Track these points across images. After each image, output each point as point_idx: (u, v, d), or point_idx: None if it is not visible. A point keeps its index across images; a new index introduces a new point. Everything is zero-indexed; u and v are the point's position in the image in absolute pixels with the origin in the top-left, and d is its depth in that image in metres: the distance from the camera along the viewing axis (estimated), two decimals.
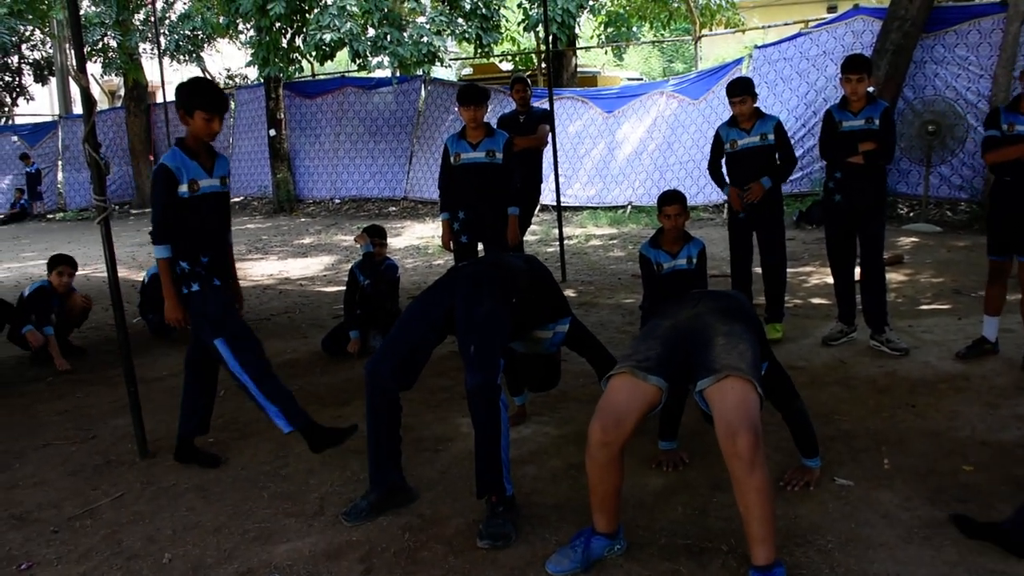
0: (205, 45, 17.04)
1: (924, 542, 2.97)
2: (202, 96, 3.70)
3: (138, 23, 15.78)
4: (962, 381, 4.58)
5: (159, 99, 14.30)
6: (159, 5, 16.30)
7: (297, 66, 14.03)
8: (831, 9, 21.04)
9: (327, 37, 11.67)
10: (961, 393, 4.41)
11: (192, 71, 19.29)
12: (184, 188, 3.70)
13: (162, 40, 15.59)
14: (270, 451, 4.15)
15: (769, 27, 16.60)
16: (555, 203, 8.41)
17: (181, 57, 16.79)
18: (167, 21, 16.44)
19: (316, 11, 12.07)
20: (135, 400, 4.13)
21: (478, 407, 3.14)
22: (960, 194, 9.92)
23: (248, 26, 14.00)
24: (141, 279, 7.00)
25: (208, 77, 19.68)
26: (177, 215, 3.73)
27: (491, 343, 3.19)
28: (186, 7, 16.74)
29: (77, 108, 18.14)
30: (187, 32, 16.32)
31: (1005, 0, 9.55)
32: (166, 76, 12.60)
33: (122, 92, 18.72)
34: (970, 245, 8.24)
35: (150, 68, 16.57)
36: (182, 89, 3.75)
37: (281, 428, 3.86)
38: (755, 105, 5.44)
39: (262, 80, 14.76)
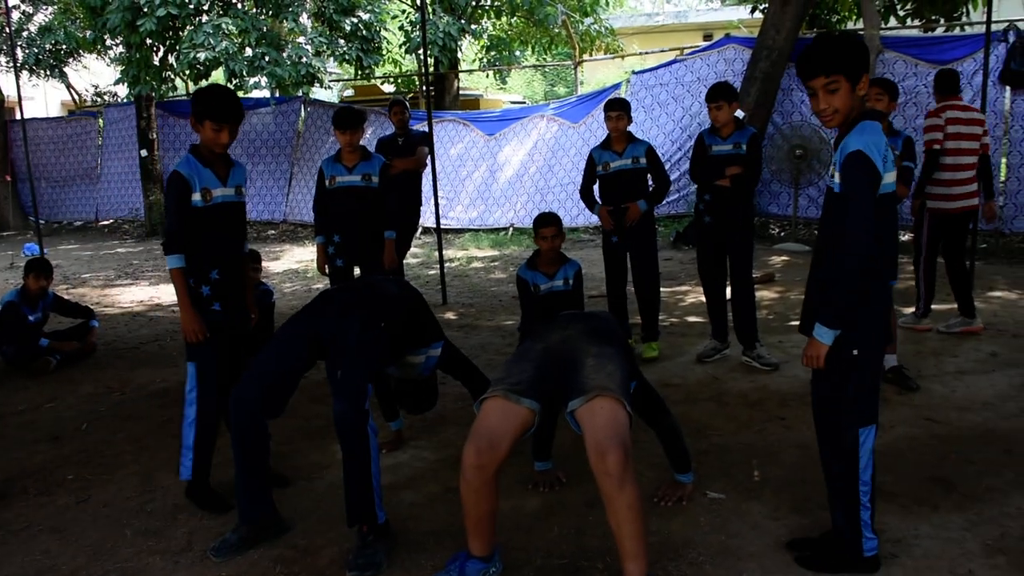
0: (69, 60, 16.23)
1: (791, 549, 3.06)
2: (211, 105, 3.49)
3: None
4: None
5: (17, 115, 13.52)
6: (15, 16, 15.43)
7: (170, 85, 13.57)
8: (707, 37, 21.92)
9: (201, 56, 11.32)
10: None
11: (55, 87, 18.35)
12: (197, 197, 3.50)
13: (19, 53, 14.78)
14: (135, 486, 3.95)
15: (647, 53, 17.15)
16: (436, 225, 8.39)
17: (42, 72, 15.95)
18: (25, 33, 15.59)
19: (190, 29, 11.72)
20: None
21: (345, 434, 3.07)
22: (822, 212, 10.42)
23: (117, 42, 13.45)
24: None
25: (74, 93, 18.82)
26: (189, 226, 3.52)
27: (358, 369, 3.13)
28: (47, 19, 15.94)
29: None
30: (48, 46, 15.52)
31: (861, 34, 10.14)
32: (25, 91, 11.90)
33: None
34: None
35: (6, 83, 15.66)
36: (195, 96, 3.57)
37: (181, 471, 3.68)
38: (628, 129, 5.57)
39: (132, 99, 14.20)
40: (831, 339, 2.68)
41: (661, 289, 5.83)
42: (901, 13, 10.69)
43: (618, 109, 5.48)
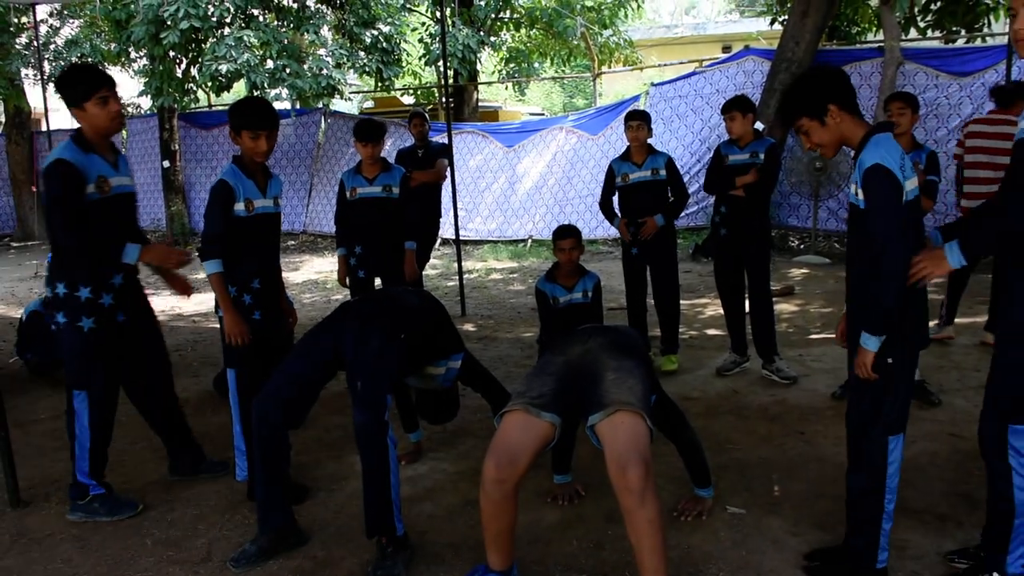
0: None
1: (809, 561, 3.03)
2: (245, 114, 3.63)
3: (20, 47, 15.11)
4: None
5: (43, 127, 13.70)
6: (43, 30, 15.64)
7: (192, 96, 13.71)
8: (726, 49, 21.89)
9: (223, 68, 11.43)
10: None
11: None
12: (241, 207, 3.64)
13: (46, 66, 14.98)
14: (157, 495, 3.97)
15: (666, 65, 17.14)
16: (455, 237, 8.42)
17: None
18: (52, 46, 15.80)
19: (212, 41, 11.84)
20: (6, 445, 3.88)
21: (364, 445, 3.08)
22: (847, 227, 10.35)
23: (141, 54, 13.62)
24: (19, 316, 6.65)
25: None
26: (232, 236, 3.65)
27: (377, 380, 3.14)
28: (73, 33, 16.15)
29: None
30: (74, 59, 15.71)
31: (882, 46, 10.11)
32: (52, 104, 12.08)
33: (2, 119, 17.85)
34: None
35: (34, 95, 15.86)
36: (230, 110, 3.69)
37: (237, 473, 3.91)
38: (648, 141, 5.57)
39: (155, 110, 14.36)
40: (877, 345, 2.69)
41: (680, 302, 5.81)
42: (922, 24, 10.63)
43: (638, 120, 5.49)
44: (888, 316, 2.66)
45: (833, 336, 6.35)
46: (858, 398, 2.87)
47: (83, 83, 3.53)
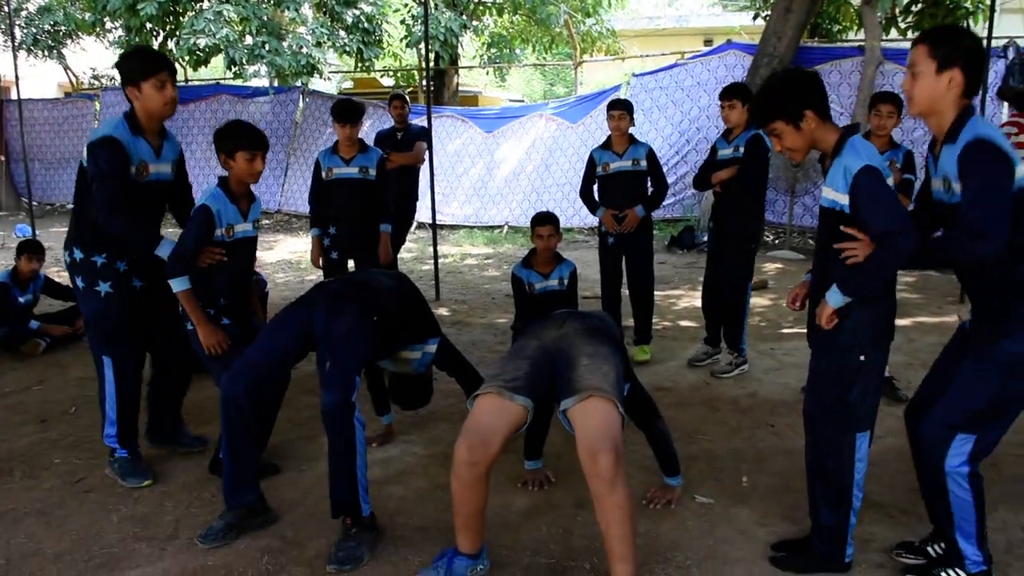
0: (68, 41, 16.13)
1: (776, 551, 3.07)
2: (240, 136, 3.57)
3: None
4: None
5: (13, 95, 13.43)
6: None
7: None
8: (707, 42, 21.92)
9: (201, 42, 11.30)
10: None
11: (52, 67, 18.21)
12: (220, 232, 3.58)
13: (17, 33, 14.68)
14: None
15: (647, 56, 17.15)
16: (431, 221, 8.38)
17: (39, 52, 15.84)
18: (24, 13, 15.49)
19: (191, 14, 11.68)
20: None
21: (331, 425, 3.07)
22: (817, 226, 10.43)
23: (116, 25, 13.41)
24: None
25: (71, 75, 18.74)
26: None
27: (347, 360, 3.12)
28: (47, 0, 15.86)
29: None
30: (47, 27, 15.43)
31: (862, 45, 10.18)
32: (23, 71, 11.82)
33: None
34: None
35: (3, 61, 15.56)
36: (220, 134, 3.61)
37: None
38: (630, 131, 5.57)
39: None
40: (840, 303, 2.74)
41: (655, 292, 5.83)
42: (903, 25, 10.73)
43: (621, 109, 5.48)
44: (867, 291, 2.71)
45: (805, 331, 6.42)
46: (824, 396, 2.91)
47: (145, 63, 3.59)
